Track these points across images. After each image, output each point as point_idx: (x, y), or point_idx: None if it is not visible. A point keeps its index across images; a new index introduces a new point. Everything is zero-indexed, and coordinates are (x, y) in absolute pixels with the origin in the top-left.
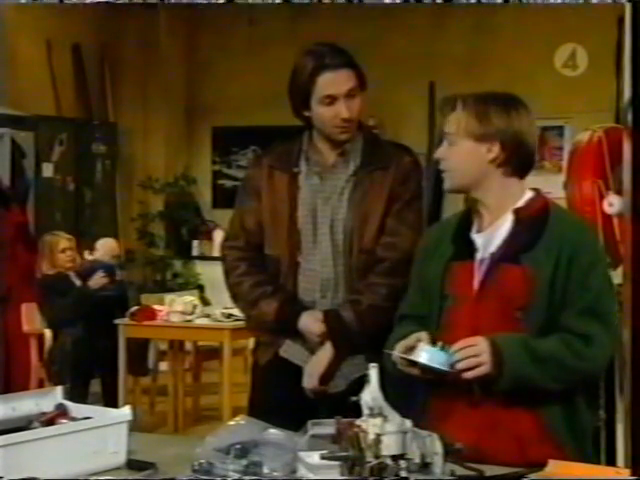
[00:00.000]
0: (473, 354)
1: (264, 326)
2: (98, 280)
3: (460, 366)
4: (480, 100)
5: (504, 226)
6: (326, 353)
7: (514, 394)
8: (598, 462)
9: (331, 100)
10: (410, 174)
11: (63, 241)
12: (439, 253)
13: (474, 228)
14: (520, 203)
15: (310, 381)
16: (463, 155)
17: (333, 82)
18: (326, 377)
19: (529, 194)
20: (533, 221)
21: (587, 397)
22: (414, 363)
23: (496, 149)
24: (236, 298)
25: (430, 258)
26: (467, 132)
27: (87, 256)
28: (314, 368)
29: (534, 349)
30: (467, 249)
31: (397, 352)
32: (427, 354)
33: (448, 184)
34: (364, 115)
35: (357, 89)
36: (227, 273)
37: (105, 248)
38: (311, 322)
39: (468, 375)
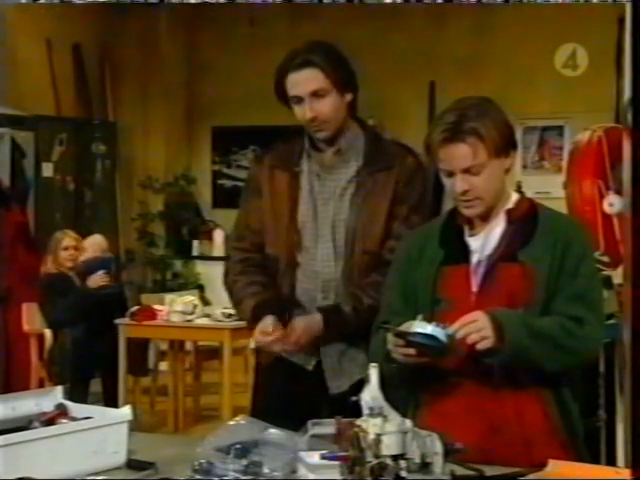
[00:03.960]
0: (476, 329)
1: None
2: (97, 279)
3: (468, 340)
4: (487, 114)
5: (498, 227)
6: (317, 325)
7: (519, 382)
8: (598, 462)
9: (298, 100)
10: (415, 176)
11: (67, 239)
12: (427, 258)
13: (466, 232)
14: (510, 204)
15: (293, 336)
16: (491, 177)
17: (296, 83)
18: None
19: (515, 196)
20: (525, 220)
21: (574, 393)
22: (410, 344)
23: (513, 155)
24: (230, 297)
25: (416, 263)
26: (494, 152)
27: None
28: (302, 329)
29: (530, 324)
30: (460, 253)
31: (394, 336)
32: (422, 328)
33: (475, 212)
34: (364, 115)
35: (327, 89)
36: (226, 273)
37: (93, 246)
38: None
39: (477, 346)
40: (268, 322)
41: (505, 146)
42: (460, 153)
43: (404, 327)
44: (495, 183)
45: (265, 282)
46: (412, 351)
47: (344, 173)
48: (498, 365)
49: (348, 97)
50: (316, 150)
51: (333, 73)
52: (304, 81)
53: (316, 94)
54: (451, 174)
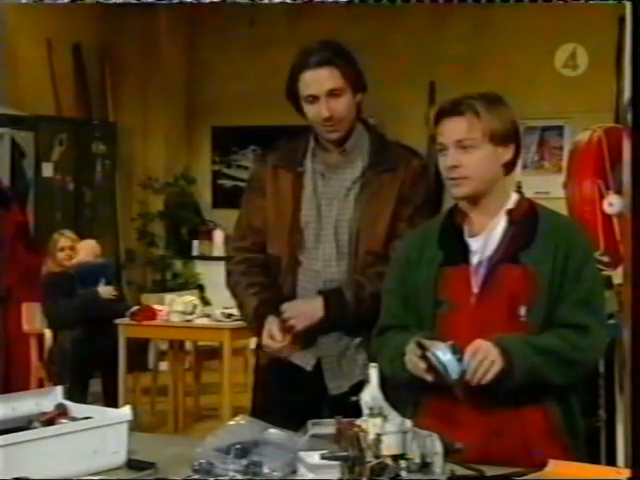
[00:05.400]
0: (483, 357)
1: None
2: (107, 291)
3: (480, 373)
4: (491, 102)
5: (498, 228)
6: (317, 313)
7: (523, 395)
8: (598, 462)
9: (313, 99)
10: (420, 178)
11: (62, 240)
12: (426, 259)
13: (466, 232)
14: (510, 204)
15: (297, 322)
16: (482, 160)
17: (313, 81)
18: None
19: (515, 195)
20: (525, 221)
21: (578, 396)
22: (424, 358)
23: (512, 150)
24: (233, 298)
25: (416, 265)
26: (489, 135)
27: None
28: (300, 314)
29: (533, 344)
30: (460, 253)
31: (416, 345)
32: (442, 354)
33: (461, 192)
34: (364, 115)
35: (344, 88)
36: (229, 274)
37: (86, 250)
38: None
39: (487, 377)
40: (274, 326)
41: (504, 136)
42: (455, 125)
43: (430, 342)
44: (487, 168)
45: (266, 282)
46: (423, 365)
47: (349, 173)
48: (511, 388)
49: (358, 97)
50: (322, 150)
51: (349, 72)
52: (322, 79)
53: (333, 93)
54: (445, 151)
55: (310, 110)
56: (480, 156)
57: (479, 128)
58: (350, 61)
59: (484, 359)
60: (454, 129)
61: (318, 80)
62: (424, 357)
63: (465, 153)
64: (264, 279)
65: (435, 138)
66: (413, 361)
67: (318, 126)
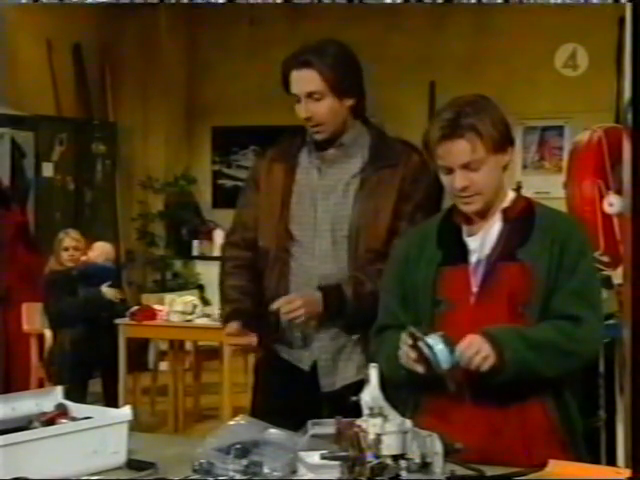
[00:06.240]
0: (475, 352)
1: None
2: (113, 293)
3: (474, 365)
4: (483, 110)
5: (495, 227)
6: (318, 304)
7: (516, 390)
8: (598, 462)
9: (298, 99)
10: (420, 174)
11: (67, 239)
12: (425, 259)
13: (464, 232)
14: (506, 204)
15: (288, 308)
16: (490, 173)
17: (295, 81)
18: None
19: (512, 194)
20: (521, 218)
21: (573, 392)
22: (415, 348)
23: (510, 151)
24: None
25: (414, 265)
26: (492, 148)
27: (82, 257)
28: (301, 304)
29: (527, 337)
30: (459, 253)
31: (408, 335)
32: (434, 343)
33: (474, 208)
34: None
35: (324, 92)
36: (221, 269)
37: (99, 251)
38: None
39: (482, 368)
40: (234, 326)
41: (503, 142)
42: (458, 149)
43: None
44: (494, 179)
45: (247, 288)
46: (413, 355)
47: (347, 168)
48: (502, 383)
49: (349, 102)
50: (318, 147)
51: (332, 77)
52: (301, 81)
53: (312, 96)
54: (450, 171)
55: (296, 108)
56: (488, 170)
57: (482, 146)
58: (338, 65)
59: (476, 353)
60: (458, 153)
61: (299, 81)
62: (415, 347)
63: (472, 172)
64: (247, 283)
65: (434, 158)
66: (404, 350)
67: (305, 125)
